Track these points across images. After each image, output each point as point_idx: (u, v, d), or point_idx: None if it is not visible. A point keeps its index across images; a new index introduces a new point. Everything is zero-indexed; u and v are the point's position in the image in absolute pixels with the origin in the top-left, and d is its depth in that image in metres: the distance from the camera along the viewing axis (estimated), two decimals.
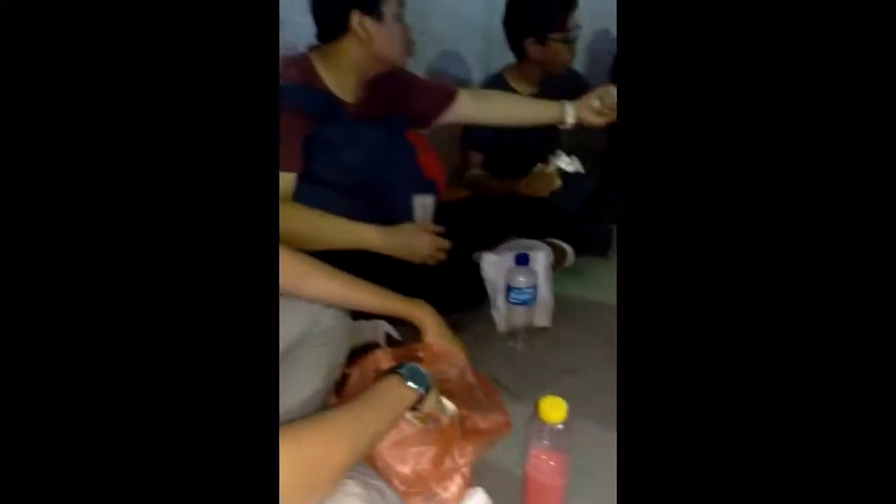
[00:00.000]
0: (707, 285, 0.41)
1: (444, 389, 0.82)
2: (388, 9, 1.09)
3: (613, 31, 2.01)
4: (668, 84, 0.42)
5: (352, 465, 0.61)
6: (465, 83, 1.73)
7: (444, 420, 0.77)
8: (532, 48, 1.54)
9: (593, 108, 1.25)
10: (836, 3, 0.39)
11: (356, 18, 1.08)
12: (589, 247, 1.46)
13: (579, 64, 1.84)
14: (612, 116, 1.25)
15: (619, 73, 0.46)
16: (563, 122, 1.28)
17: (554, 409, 0.69)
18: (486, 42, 1.80)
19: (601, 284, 1.34)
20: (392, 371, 0.73)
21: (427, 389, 0.73)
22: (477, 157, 1.62)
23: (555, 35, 1.51)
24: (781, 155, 0.40)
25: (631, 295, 0.43)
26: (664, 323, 0.41)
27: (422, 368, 0.74)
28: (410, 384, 0.72)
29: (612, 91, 1.24)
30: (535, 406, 0.71)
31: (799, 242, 0.39)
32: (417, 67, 1.72)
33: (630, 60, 0.44)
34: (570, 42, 1.54)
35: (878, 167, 0.38)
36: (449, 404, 0.79)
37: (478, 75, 1.75)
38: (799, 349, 0.39)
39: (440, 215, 1.23)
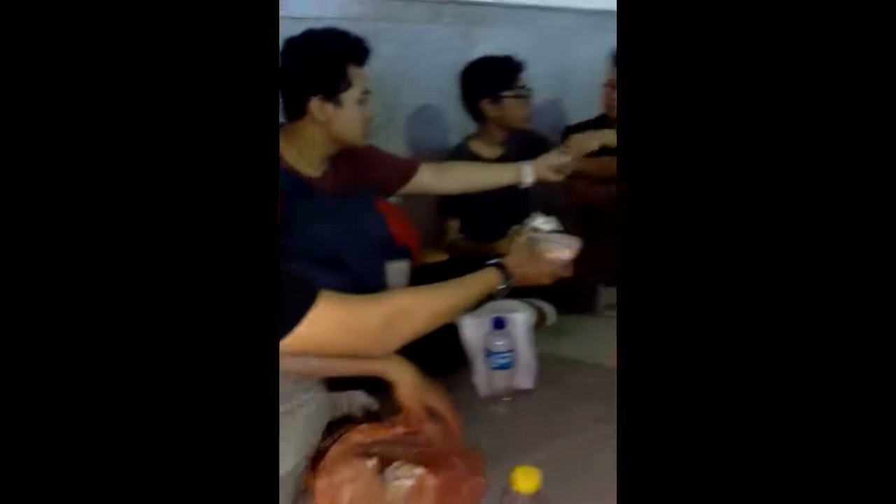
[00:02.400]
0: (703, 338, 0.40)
1: (418, 459, 0.80)
2: (349, 96, 1.14)
3: (564, 100, 2.20)
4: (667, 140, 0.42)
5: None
6: (439, 152, 1.79)
7: (409, 484, 0.74)
8: (488, 108, 1.63)
9: (552, 166, 1.32)
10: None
11: (316, 103, 1.12)
12: (575, 304, 1.45)
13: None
14: (568, 173, 1.33)
15: (620, 131, 0.48)
16: (521, 183, 1.33)
17: (526, 479, 0.67)
18: (457, 113, 1.86)
19: (585, 343, 1.32)
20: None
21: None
22: (454, 224, 1.64)
23: (507, 92, 1.61)
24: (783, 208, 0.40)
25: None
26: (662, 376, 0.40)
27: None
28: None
29: (574, 141, 1.32)
30: (508, 476, 0.68)
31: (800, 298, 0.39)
32: (394, 139, 1.77)
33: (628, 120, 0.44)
34: (523, 97, 1.63)
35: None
36: (416, 470, 0.76)
37: (451, 143, 1.81)
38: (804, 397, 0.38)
39: (418, 279, 1.23)
